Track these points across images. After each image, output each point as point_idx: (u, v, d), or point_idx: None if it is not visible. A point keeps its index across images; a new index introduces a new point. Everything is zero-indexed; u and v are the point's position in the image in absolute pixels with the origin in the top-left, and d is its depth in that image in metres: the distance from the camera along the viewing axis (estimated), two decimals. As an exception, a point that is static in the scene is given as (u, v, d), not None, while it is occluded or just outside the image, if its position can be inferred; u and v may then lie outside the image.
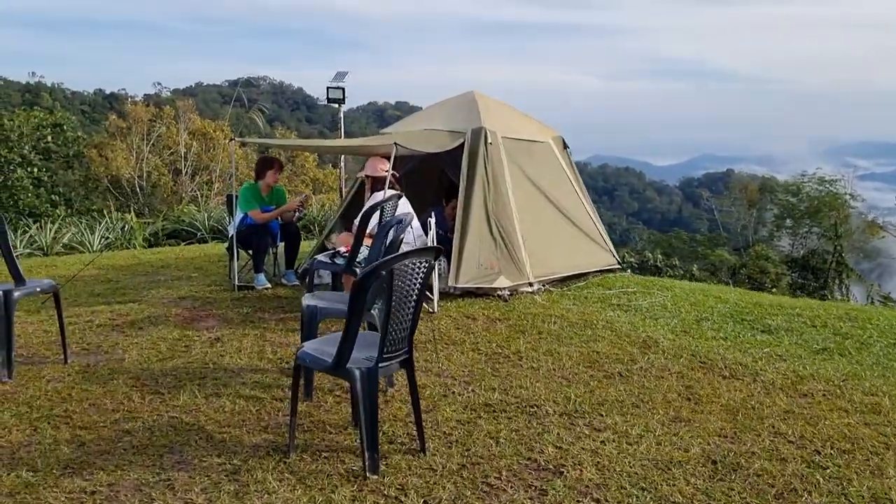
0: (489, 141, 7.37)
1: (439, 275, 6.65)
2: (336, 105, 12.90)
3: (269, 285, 7.40)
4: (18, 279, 4.91)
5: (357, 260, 5.75)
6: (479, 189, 7.20)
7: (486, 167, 7.30)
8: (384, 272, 3.42)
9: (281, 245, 7.80)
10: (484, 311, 6.52)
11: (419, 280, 3.57)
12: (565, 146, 8.50)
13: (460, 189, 7.24)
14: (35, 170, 21.82)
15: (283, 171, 7.67)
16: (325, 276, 7.60)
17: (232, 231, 7.62)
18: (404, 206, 6.35)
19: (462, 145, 7.36)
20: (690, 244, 29.36)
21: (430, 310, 6.42)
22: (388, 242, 5.08)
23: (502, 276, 6.98)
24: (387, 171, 6.56)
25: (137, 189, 23.16)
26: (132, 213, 14.04)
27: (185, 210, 13.83)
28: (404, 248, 6.36)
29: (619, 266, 8.47)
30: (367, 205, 6.40)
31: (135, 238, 12.27)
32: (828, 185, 28.97)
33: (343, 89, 12.74)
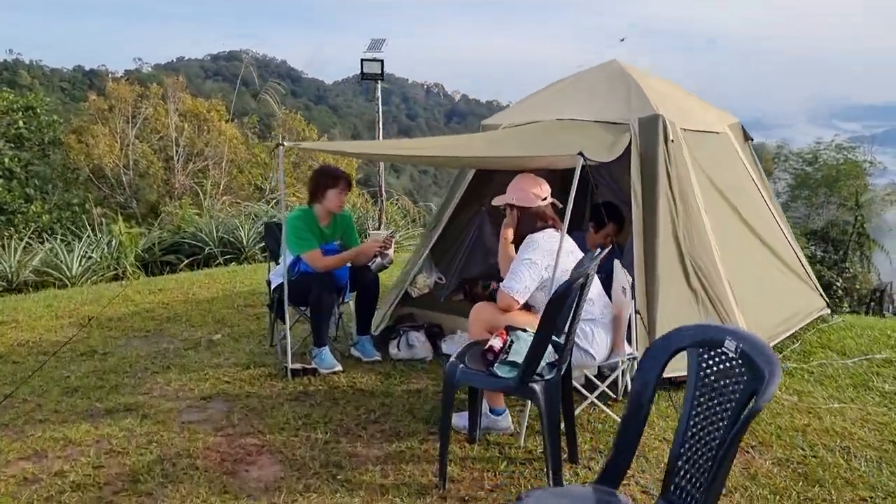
0: (670, 137, 4.78)
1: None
2: (374, 82, 10.29)
3: (338, 367, 4.83)
4: None
5: (537, 370, 3.19)
6: (664, 212, 4.62)
7: (669, 177, 4.72)
8: None
9: (350, 298, 5.22)
10: (713, 423, 3.98)
11: None
12: (747, 137, 5.92)
13: (634, 212, 4.67)
14: (6, 160, 19.03)
15: (351, 190, 5.07)
16: (417, 345, 5.07)
17: (276, 280, 5.04)
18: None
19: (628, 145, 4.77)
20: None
21: (630, 427, 3.89)
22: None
23: (714, 352, 4.42)
24: (546, 199, 3.98)
25: (123, 179, 20.38)
26: (119, 219, 11.37)
27: (185, 218, 11.16)
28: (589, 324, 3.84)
29: (828, 310, 5.92)
30: (526, 254, 3.81)
31: (125, 257, 9.63)
32: (846, 153, 26.88)
33: (382, 62, 10.10)
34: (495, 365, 3.29)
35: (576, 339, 3.68)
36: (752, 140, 5.92)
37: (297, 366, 4.78)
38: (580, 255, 3.92)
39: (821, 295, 5.85)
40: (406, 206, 12.99)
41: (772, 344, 4.99)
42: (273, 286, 5.10)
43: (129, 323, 6.22)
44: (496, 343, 3.42)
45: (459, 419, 3.88)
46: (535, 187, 3.93)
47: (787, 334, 5.18)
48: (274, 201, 12.73)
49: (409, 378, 4.75)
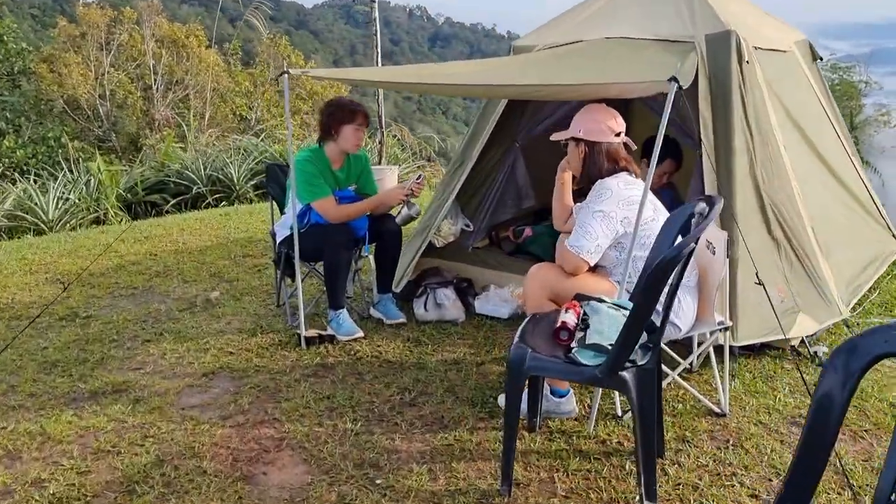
0: (745, 57, 4.05)
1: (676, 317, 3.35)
2: (371, 1, 9.36)
3: (359, 333, 4.19)
4: None
5: (630, 354, 2.54)
6: (740, 149, 3.93)
7: (744, 106, 4.01)
8: None
9: (369, 250, 4.53)
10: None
11: None
12: (815, 56, 5.18)
13: (704, 148, 3.97)
14: (-27, 92, 17.92)
15: (368, 125, 4.33)
16: (447, 303, 4.43)
17: (283, 233, 4.35)
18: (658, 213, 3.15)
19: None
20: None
21: (717, 409, 3.28)
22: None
23: (801, 311, 3.81)
24: (620, 135, 3.28)
25: (99, 110, 19.27)
26: (97, 156, 10.51)
27: (169, 154, 10.31)
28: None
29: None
30: (598, 204, 3.12)
31: (105, 198, 8.85)
32: (841, 73, 26.03)
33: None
34: (574, 349, 2.64)
35: (659, 307, 3.04)
36: (822, 59, 5.19)
37: (312, 332, 4.14)
38: (661, 207, 3.24)
39: (893, 235, 5.23)
40: (404, 137, 12.13)
41: (857, 298, 4.38)
42: (279, 239, 4.40)
43: (113, 279, 5.53)
44: (569, 318, 2.76)
45: (514, 402, 3.27)
46: (609, 119, 3.22)
47: (870, 284, 4.57)
48: (263, 134, 11.88)
49: (442, 345, 4.11)
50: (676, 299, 3.05)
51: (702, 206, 2.67)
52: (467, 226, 4.88)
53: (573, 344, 2.69)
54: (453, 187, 4.75)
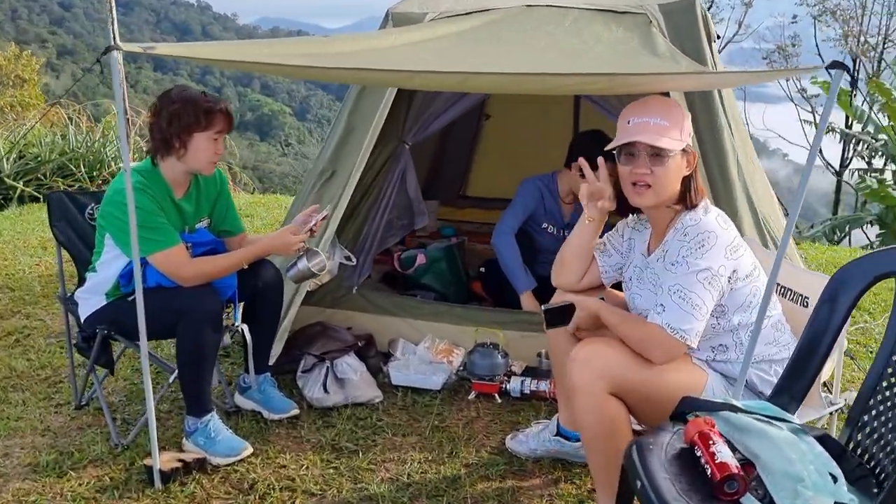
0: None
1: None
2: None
3: (248, 449, 2.73)
4: None
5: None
6: (730, 150, 3.16)
7: (721, 97, 3.25)
8: None
9: (238, 320, 3.01)
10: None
11: None
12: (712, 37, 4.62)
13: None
14: None
15: (231, 131, 2.80)
16: (354, 378, 3.18)
17: (96, 302, 2.73)
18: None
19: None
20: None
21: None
22: None
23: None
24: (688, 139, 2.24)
25: None
26: None
27: None
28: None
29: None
30: (700, 258, 2.05)
31: None
32: None
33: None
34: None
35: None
36: (719, 38, 4.63)
37: (170, 460, 2.61)
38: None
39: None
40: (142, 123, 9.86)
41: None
42: (87, 311, 2.76)
43: None
44: (726, 455, 1.71)
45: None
46: (686, 119, 2.18)
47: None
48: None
49: (375, 451, 2.81)
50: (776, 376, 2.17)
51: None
52: (348, 259, 3.56)
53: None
54: (334, 208, 3.42)
